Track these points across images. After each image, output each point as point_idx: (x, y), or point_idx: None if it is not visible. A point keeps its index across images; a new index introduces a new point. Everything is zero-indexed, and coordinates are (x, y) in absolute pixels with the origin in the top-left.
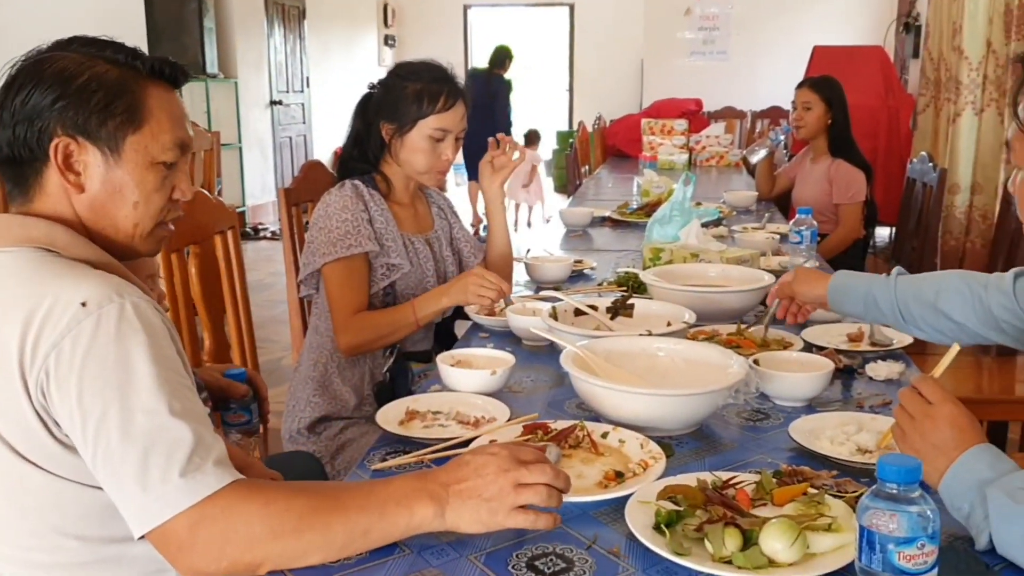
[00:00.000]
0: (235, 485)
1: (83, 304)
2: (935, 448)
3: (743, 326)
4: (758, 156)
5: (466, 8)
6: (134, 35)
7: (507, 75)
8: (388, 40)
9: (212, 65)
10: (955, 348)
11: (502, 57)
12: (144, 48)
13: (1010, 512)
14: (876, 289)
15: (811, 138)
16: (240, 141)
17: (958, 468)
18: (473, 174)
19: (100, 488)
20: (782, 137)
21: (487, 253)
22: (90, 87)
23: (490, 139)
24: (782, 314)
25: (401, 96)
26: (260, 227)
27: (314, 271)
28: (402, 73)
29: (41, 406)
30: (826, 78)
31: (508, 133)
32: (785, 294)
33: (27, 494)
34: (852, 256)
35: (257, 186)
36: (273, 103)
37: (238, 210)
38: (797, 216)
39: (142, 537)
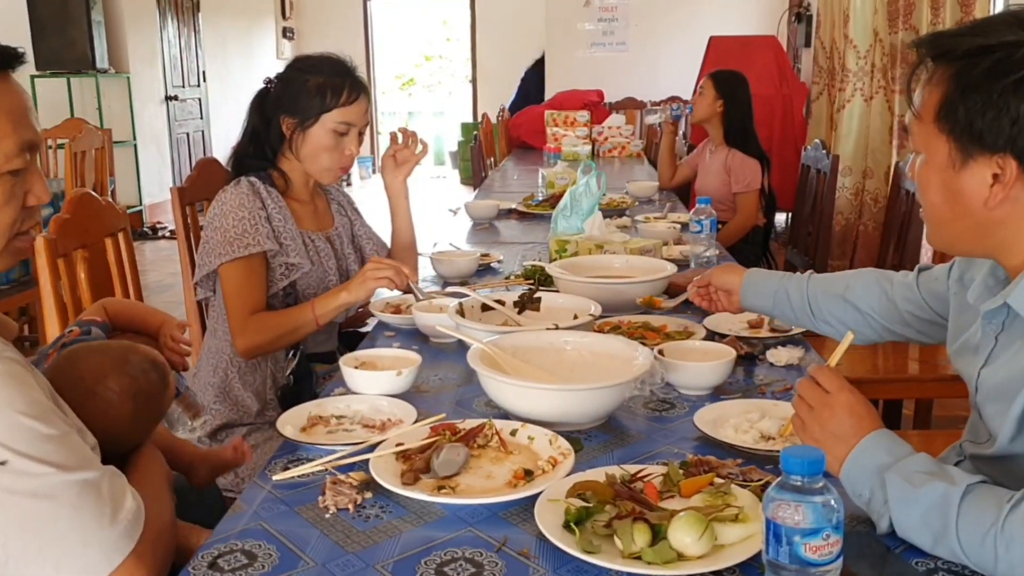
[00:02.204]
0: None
1: None
2: (834, 437)
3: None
4: (654, 118)
5: None
6: (16, 30)
7: None
8: (287, 33)
9: (102, 60)
10: (849, 336)
11: None
12: (28, 45)
13: (908, 496)
14: (789, 285)
15: (700, 122)
16: (135, 138)
17: (857, 455)
18: None
19: None
20: (681, 114)
21: (391, 249)
22: None
23: (391, 132)
24: (696, 298)
25: (302, 90)
26: (158, 226)
27: (210, 272)
28: (302, 66)
29: None
30: (729, 72)
31: None
32: (703, 281)
33: None
34: (752, 243)
35: (154, 184)
36: (168, 98)
37: (135, 209)
38: (697, 205)
39: None
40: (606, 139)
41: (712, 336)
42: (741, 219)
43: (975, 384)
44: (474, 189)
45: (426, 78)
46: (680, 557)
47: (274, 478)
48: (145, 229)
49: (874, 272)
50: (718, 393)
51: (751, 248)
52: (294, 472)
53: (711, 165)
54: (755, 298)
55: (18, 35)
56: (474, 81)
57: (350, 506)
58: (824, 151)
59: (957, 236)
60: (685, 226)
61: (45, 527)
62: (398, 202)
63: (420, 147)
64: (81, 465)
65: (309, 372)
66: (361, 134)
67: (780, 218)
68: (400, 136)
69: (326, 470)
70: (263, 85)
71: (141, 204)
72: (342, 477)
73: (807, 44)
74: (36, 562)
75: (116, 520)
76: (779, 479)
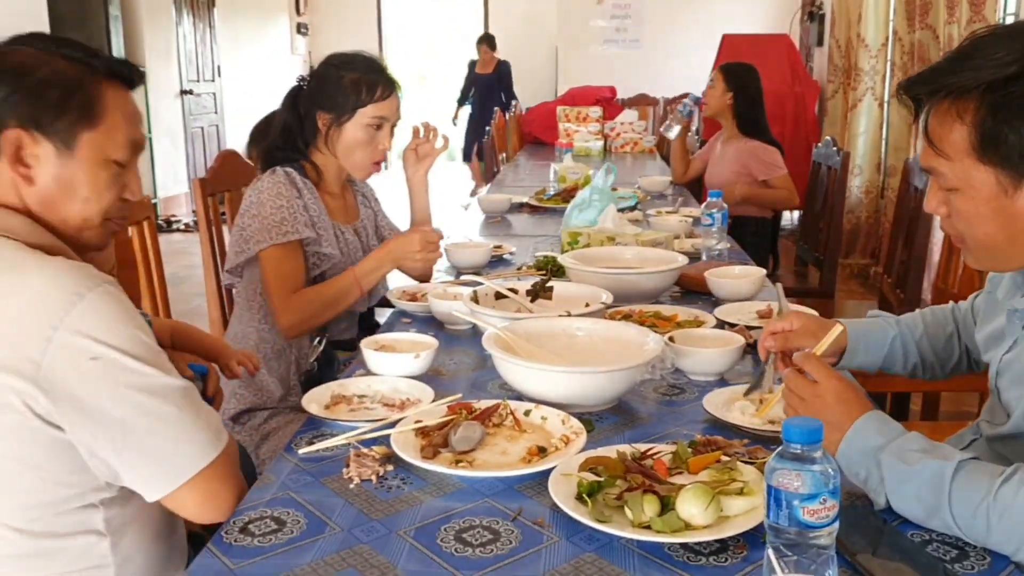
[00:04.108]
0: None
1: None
2: (828, 425)
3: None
4: (674, 131)
5: None
6: (36, 24)
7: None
8: (301, 28)
9: (119, 54)
10: (837, 327)
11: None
12: None
13: (902, 474)
14: (898, 339)
15: (713, 115)
16: (150, 132)
17: (851, 438)
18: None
19: (60, 482)
20: (691, 109)
21: None
22: (47, 82)
23: (413, 127)
24: (782, 367)
25: (338, 86)
26: (173, 219)
27: (246, 259)
28: (337, 63)
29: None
30: (738, 64)
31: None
32: (782, 346)
33: None
34: (761, 237)
35: (169, 178)
36: (183, 93)
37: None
38: (708, 199)
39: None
40: (618, 135)
41: (722, 325)
42: (786, 193)
43: (996, 368)
44: (486, 184)
45: (439, 74)
46: (687, 526)
47: (300, 452)
48: (160, 222)
49: (943, 311)
50: (726, 379)
51: (760, 242)
52: (319, 446)
53: (723, 156)
54: (865, 356)
55: (37, 30)
56: None
57: (373, 477)
58: (835, 148)
59: (1014, 255)
60: (697, 220)
61: (154, 421)
62: (419, 195)
63: (441, 141)
64: (175, 373)
65: (331, 359)
66: (393, 128)
67: (788, 215)
68: (422, 130)
69: (350, 444)
70: (296, 83)
71: (156, 197)
72: (365, 451)
73: (819, 43)
74: (146, 453)
75: (209, 423)
76: (779, 448)
